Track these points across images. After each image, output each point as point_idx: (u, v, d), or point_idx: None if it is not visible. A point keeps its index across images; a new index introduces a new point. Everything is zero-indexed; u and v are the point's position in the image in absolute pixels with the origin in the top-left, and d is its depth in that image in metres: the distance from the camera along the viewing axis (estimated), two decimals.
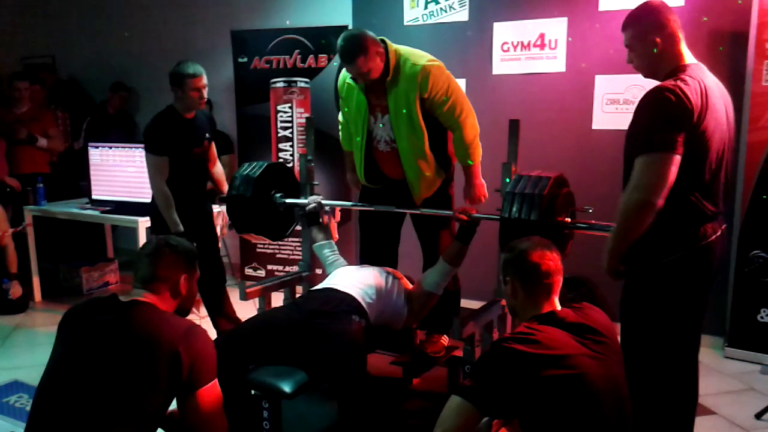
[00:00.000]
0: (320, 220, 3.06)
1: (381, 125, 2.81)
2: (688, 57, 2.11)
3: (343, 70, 2.82)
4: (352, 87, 2.80)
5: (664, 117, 1.94)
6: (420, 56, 2.72)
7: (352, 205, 3.21)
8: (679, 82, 1.96)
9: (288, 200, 3.08)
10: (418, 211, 2.88)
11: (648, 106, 2.00)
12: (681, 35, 2.10)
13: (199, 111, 3.37)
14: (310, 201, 3.04)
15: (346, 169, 3.16)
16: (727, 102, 2.12)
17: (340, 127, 3.08)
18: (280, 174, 3.12)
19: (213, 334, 3.27)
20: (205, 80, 3.25)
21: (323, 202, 3.06)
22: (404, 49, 2.75)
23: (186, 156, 3.31)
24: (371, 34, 2.64)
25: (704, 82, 2.01)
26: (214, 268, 3.45)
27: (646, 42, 2.10)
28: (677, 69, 2.05)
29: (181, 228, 3.23)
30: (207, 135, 3.43)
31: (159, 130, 3.23)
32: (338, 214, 3.18)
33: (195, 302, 2.02)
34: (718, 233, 2.10)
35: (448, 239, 2.87)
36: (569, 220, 2.43)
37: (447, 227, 2.93)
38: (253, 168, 3.00)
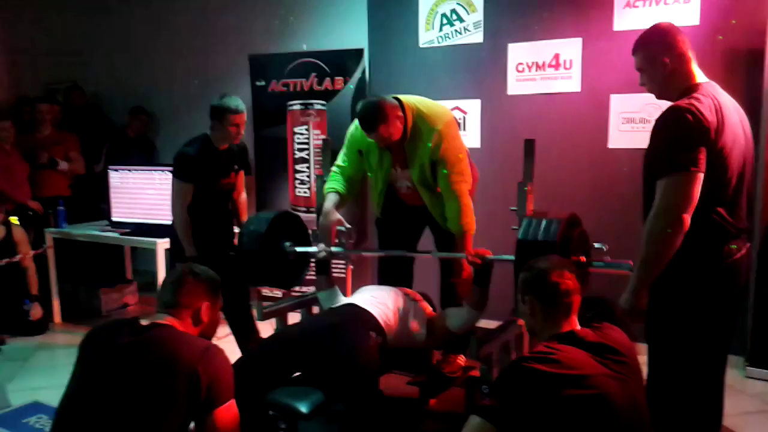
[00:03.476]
0: (330, 270, 3.01)
1: (403, 176, 2.87)
2: (700, 76, 2.11)
3: (358, 125, 2.86)
4: (373, 142, 2.81)
5: (683, 136, 1.93)
6: (436, 117, 2.74)
7: (363, 251, 3.20)
8: (693, 101, 1.96)
9: (298, 249, 3.00)
10: (429, 254, 2.87)
11: (665, 127, 1.99)
12: (691, 55, 2.10)
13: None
14: (320, 249, 2.92)
15: (322, 213, 2.93)
16: (743, 119, 2.12)
17: (333, 171, 2.97)
18: (288, 222, 3.05)
19: (233, 354, 3.28)
20: (245, 117, 3.29)
21: (333, 250, 2.96)
22: (421, 105, 2.76)
23: (212, 186, 3.35)
24: (389, 99, 2.67)
25: (718, 100, 2.01)
26: (239, 291, 3.47)
27: (656, 63, 2.11)
28: (690, 88, 2.05)
29: (196, 253, 3.27)
30: (235, 166, 3.47)
31: (190, 158, 3.26)
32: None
33: None
34: (743, 251, 2.08)
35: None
36: (584, 258, 2.39)
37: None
38: (260, 222, 2.93)
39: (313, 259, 3.01)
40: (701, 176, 1.92)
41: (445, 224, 2.83)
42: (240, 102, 3.28)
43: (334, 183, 2.94)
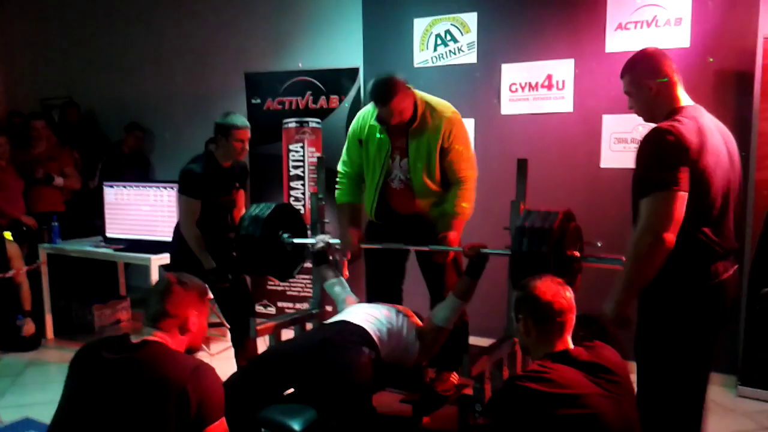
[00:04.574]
0: (329, 259, 3.06)
1: (399, 166, 2.88)
2: (685, 99, 2.15)
3: (361, 115, 2.92)
4: (374, 128, 2.86)
5: (664, 156, 1.97)
6: (445, 107, 2.82)
7: (362, 245, 3.23)
8: (674, 122, 2.01)
9: (296, 240, 3.08)
10: (426, 248, 2.88)
11: (646, 148, 2.03)
12: (677, 79, 2.15)
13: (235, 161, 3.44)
14: (317, 241, 3.03)
15: (340, 226, 3.03)
16: (728, 141, 2.15)
17: (340, 176, 3.04)
18: (288, 214, 3.13)
19: (226, 371, 3.27)
20: (249, 133, 3.33)
21: (331, 241, 3.05)
22: (428, 97, 2.84)
23: (213, 202, 3.38)
24: (400, 76, 2.72)
25: (700, 122, 2.05)
26: (244, 304, 3.49)
27: (642, 87, 2.15)
28: (674, 111, 2.10)
29: (214, 264, 3.30)
30: (236, 184, 3.51)
31: (197, 176, 3.29)
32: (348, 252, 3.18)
33: (205, 339, 2.04)
34: (730, 272, 2.10)
35: (453, 275, 2.88)
36: (578, 253, 2.45)
37: (453, 263, 2.93)
38: (262, 209, 3.02)
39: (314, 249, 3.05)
40: (683, 195, 1.95)
41: (438, 211, 2.86)
42: (244, 119, 3.33)
43: (344, 193, 3.02)
